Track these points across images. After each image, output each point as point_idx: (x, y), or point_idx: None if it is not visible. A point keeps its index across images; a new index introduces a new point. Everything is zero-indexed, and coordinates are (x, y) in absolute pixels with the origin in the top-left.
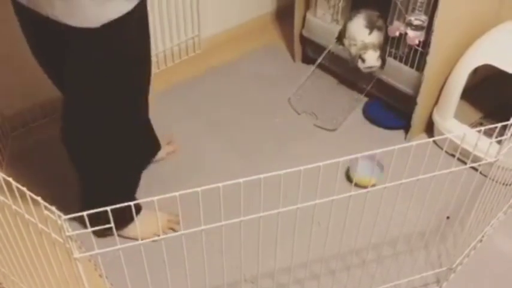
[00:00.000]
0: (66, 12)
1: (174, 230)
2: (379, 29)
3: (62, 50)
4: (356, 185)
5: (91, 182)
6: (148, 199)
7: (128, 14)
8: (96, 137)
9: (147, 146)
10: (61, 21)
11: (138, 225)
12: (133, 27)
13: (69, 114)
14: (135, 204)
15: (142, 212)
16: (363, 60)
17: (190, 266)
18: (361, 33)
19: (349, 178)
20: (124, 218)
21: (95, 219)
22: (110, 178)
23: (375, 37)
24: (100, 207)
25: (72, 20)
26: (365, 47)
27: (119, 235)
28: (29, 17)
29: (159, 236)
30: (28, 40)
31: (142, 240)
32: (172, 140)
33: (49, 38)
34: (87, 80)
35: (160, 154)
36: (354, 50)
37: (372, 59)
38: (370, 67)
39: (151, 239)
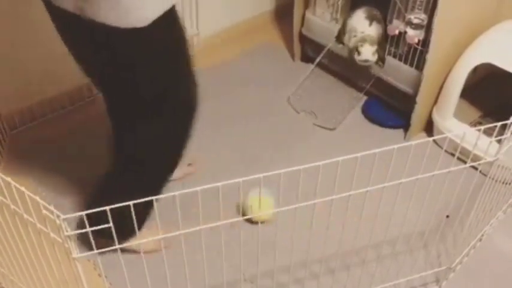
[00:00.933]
0: (112, 14)
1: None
2: (379, 22)
3: (108, 52)
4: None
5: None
6: (148, 198)
7: (171, 9)
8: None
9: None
10: (108, 23)
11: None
12: (177, 22)
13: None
14: (138, 221)
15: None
16: (359, 53)
17: (190, 266)
18: (362, 24)
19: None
20: (126, 231)
21: (98, 231)
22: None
23: (374, 29)
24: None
25: (120, 21)
26: (363, 40)
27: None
28: (75, 25)
29: (161, 247)
30: (72, 48)
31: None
32: (194, 161)
33: (95, 42)
34: (135, 77)
35: (178, 174)
36: (352, 42)
37: (367, 52)
38: (365, 60)
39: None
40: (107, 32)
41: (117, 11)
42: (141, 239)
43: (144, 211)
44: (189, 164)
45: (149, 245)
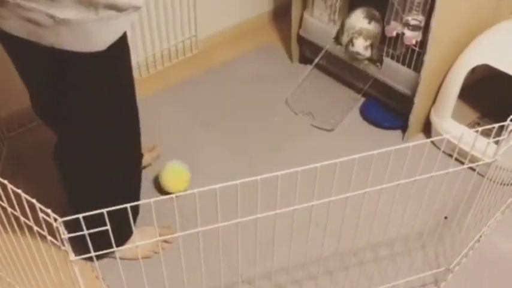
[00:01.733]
0: (71, 39)
1: (168, 242)
2: (377, 21)
3: (63, 77)
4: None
5: (84, 202)
6: (146, 201)
7: (125, 34)
8: (94, 157)
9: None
10: (67, 48)
11: (134, 245)
12: (128, 47)
13: (67, 138)
14: (126, 228)
15: (134, 233)
16: (352, 44)
17: (187, 267)
18: (360, 22)
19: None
20: (119, 238)
21: (93, 241)
22: (104, 198)
23: (373, 27)
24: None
25: (79, 46)
26: (359, 32)
27: (115, 257)
28: (27, 50)
29: (156, 252)
30: (22, 72)
31: (142, 258)
32: (153, 146)
33: (49, 68)
34: (90, 103)
35: (146, 161)
36: (349, 35)
37: (360, 45)
38: (357, 53)
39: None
40: (64, 57)
41: (77, 37)
42: (134, 244)
43: (126, 215)
44: (151, 150)
45: (144, 250)
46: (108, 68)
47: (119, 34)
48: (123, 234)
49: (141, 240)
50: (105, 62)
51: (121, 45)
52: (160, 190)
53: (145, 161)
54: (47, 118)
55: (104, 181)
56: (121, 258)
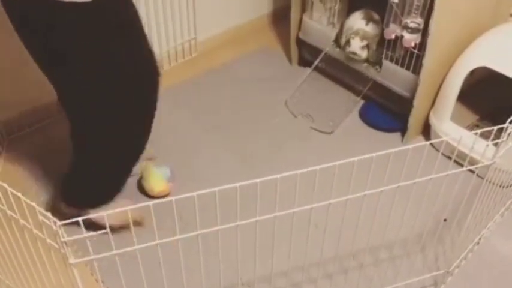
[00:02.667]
0: None
1: (140, 223)
2: (376, 23)
3: (53, 31)
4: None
5: (86, 157)
6: (145, 203)
7: None
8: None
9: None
10: None
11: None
12: (125, 6)
13: (66, 94)
14: (109, 194)
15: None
16: (349, 45)
17: (187, 270)
18: (358, 23)
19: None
20: (98, 201)
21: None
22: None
23: (371, 28)
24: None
25: None
26: (356, 33)
27: (86, 221)
28: (18, 5)
29: (126, 225)
30: (19, 31)
31: (109, 226)
32: (153, 156)
33: (40, 23)
34: (83, 57)
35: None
36: (346, 35)
37: (356, 45)
38: (353, 53)
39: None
40: (53, 9)
41: None
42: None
43: (115, 184)
44: (150, 159)
45: (117, 219)
46: (97, 21)
47: None
48: (108, 195)
49: (117, 207)
50: (93, 15)
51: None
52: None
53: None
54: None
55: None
56: (94, 222)
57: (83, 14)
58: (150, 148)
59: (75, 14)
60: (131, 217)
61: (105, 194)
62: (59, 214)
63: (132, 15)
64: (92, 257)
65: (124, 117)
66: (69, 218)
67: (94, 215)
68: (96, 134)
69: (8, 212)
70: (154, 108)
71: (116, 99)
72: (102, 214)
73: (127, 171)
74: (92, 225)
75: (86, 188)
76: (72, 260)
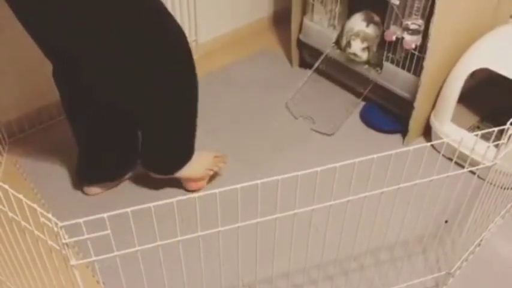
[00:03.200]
0: None
1: (221, 165)
2: (376, 24)
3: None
4: None
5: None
6: (145, 205)
7: None
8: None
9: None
10: None
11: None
12: None
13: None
14: (187, 151)
15: (194, 156)
16: (349, 46)
17: (188, 272)
18: (359, 24)
19: None
20: (180, 162)
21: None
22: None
23: (371, 29)
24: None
25: None
26: (356, 34)
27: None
28: None
29: (211, 170)
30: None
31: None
32: (222, 157)
33: None
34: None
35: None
36: (347, 37)
37: (357, 47)
38: (354, 54)
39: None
40: None
41: None
42: (195, 162)
43: (187, 140)
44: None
45: (201, 168)
46: None
47: None
48: (185, 155)
49: (199, 162)
50: None
51: None
52: None
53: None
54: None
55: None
56: (181, 177)
57: None
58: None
59: None
60: (213, 164)
61: (184, 153)
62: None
63: None
64: (93, 258)
65: (168, 72)
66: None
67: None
68: (150, 103)
69: (10, 213)
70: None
71: (154, 60)
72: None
73: (193, 125)
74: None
75: (166, 155)
76: (73, 262)
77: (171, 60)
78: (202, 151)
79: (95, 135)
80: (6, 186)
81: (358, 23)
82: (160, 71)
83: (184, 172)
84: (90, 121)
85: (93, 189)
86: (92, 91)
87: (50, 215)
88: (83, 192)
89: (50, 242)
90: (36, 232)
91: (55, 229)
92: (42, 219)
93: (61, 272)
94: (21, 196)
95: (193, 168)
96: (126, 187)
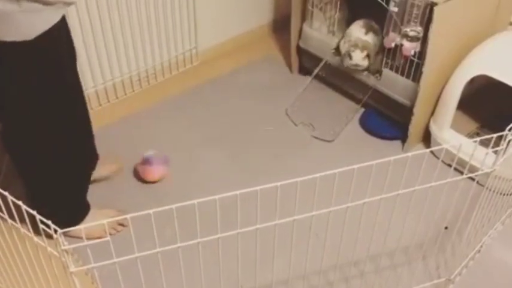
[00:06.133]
0: (1, 28)
1: (123, 225)
2: (375, 32)
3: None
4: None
5: (35, 185)
6: (145, 212)
7: (56, 25)
8: (33, 147)
9: (86, 155)
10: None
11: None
12: (62, 38)
13: (6, 127)
14: (83, 205)
15: (91, 212)
16: (350, 58)
17: (187, 279)
18: (357, 31)
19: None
20: (73, 219)
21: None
22: (51, 181)
23: (370, 38)
24: (45, 208)
25: (7, 36)
26: (355, 45)
27: (66, 235)
28: None
29: (107, 234)
30: None
31: (88, 239)
32: (115, 159)
33: None
34: (22, 94)
35: (104, 172)
36: (346, 47)
37: (358, 57)
38: (356, 65)
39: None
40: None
41: (5, 26)
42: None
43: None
44: (112, 163)
45: (96, 231)
46: (38, 57)
47: (48, 26)
48: (78, 213)
49: (96, 220)
50: (35, 52)
51: (53, 36)
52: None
53: (101, 172)
54: None
55: (48, 165)
56: (69, 236)
57: (27, 51)
58: (116, 157)
59: (20, 51)
60: (115, 222)
61: (74, 210)
62: None
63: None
64: (92, 265)
65: (61, 138)
66: None
67: (70, 229)
68: (42, 159)
69: (9, 220)
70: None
71: (53, 129)
72: (79, 228)
73: (81, 182)
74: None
75: (54, 210)
76: (72, 269)
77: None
78: (101, 210)
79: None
80: (6, 193)
81: (356, 30)
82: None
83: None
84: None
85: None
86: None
87: (49, 222)
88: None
89: (49, 249)
90: (35, 239)
91: (54, 236)
92: (41, 225)
93: (60, 279)
94: (20, 203)
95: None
96: (126, 193)
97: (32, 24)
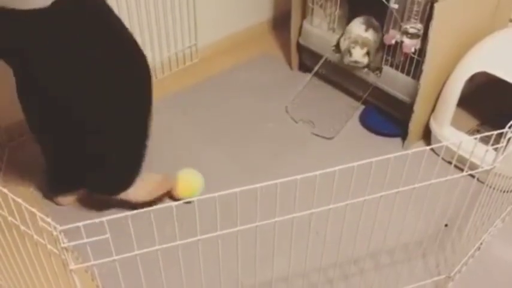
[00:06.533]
0: None
1: (168, 194)
2: (375, 29)
3: (18, 43)
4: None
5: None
6: (144, 210)
7: None
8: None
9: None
10: (9, 6)
11: (137, 189)
12: (89, 8)
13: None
14: (132, 173)
15: (139, 179)
16: (350, 54)
17: (187, 276)
18: (357, 28)
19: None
20: (123, 184)
21: (98, 183)
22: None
23: (370, 35)
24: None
25: (24, 4)
26: (355, 42)
27: (119, 198)
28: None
29: (154, 199)
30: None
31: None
32: (166, 179)
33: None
34: (53, 63)
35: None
36: (345, 45)
37: (358, 54)
38: (356, 62)
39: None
40: (12, 18)
41: None
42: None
43: (133, 166)
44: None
45: (141, 195)
46: (58, 26)
47: None
48: (130, 177)
49: (143, 186)
50: (52, 20)
51: (73, 4)
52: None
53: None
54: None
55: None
56: (123, 200)
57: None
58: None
59: (37, 20)
60: (162, 189)
61: (129, 176)
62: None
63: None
64: (92, 262)
65: (122, 111)
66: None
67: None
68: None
69: (9, 218)
70: (149, 101)
71: (111, 99)
72: (131, 192)
73: (140, 153)
74: (124, 204)
75: (110, 176)
76: (72, 266)
77: (135, 90)
78: (150, 173)
79: (61, 150)
80: (5, 190)
81: (356, 27)
82: (124, 98)
83: (129, 194)
84: (57, 138)
85: (66, 200)
86: (64, 112)
87: (49, 219)
88: (56, 203)
89: (49, 247)
90: (35, 236)
91: (54, 233)
92: (41, 223)
93: (60, 276)
94: (20, 200)
95: (137, 192)
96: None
97: None
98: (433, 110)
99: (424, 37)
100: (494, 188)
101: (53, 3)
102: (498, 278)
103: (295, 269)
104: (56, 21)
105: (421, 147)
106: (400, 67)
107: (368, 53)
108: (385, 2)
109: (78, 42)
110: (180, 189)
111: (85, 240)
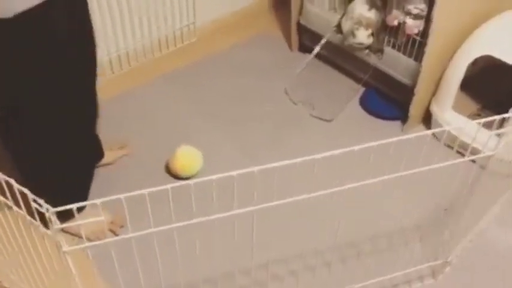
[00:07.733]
0: None
1: (114, 233)
2: (378, 9)
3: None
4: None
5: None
6: (140, 192)
7: (47, 2)
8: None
9: (89, 151)
10: None
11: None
12: (57, 17)
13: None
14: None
15: (85, 210)
16: (354, 36)
17: (183, 258)
18: (360, 7)
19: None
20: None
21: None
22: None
23: (373, 14)
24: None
25: None
26: (359, 23)
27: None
28: None
29: (100, 236)
30: None
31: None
32: (125, 143)
33: None
34: (10, 76)
35: (110, 158)
36: (348, 25)
37: (362, 35)
38: (360, 43)
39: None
40: None
41: None
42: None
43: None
44: (121, 147)
45: (91, 227)
46: (20, 37)
47: (28, 5)
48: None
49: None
50: (17, 31)
51: (41, 15)
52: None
53: (108, 157)
54: None
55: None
56: (64, 231)
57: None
58: (121, 138)
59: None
60: (114, 221)
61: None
62: None
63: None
64: (86, 245)
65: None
66: None
67: (66, 225)
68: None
69: (1, 197)
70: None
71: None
72: (75, 224)
73: (84, 173)
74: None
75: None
76: (65, 248)
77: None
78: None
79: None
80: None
81: (359, 6)
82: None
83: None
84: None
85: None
86: None
87: (41, 201)
88: None
89: (42, 228)
90: (28, 217)
91: (47, 214)
92: (34, 204)
93: (54, 257)
94: (12, 181)
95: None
96: (121, 173)
97: (11, 1)
98: (434, 93)
99: (428, 18)
100: (494, 173)
101: (16, 16)
102: (495, 263)
103: (293, 251)
104: (17, 34)
105: (420, 131)
106: (402, 49)
107: (372, 34)
108: None
109: (31, 60)
110: (180, 167)
111: (78, 222)
